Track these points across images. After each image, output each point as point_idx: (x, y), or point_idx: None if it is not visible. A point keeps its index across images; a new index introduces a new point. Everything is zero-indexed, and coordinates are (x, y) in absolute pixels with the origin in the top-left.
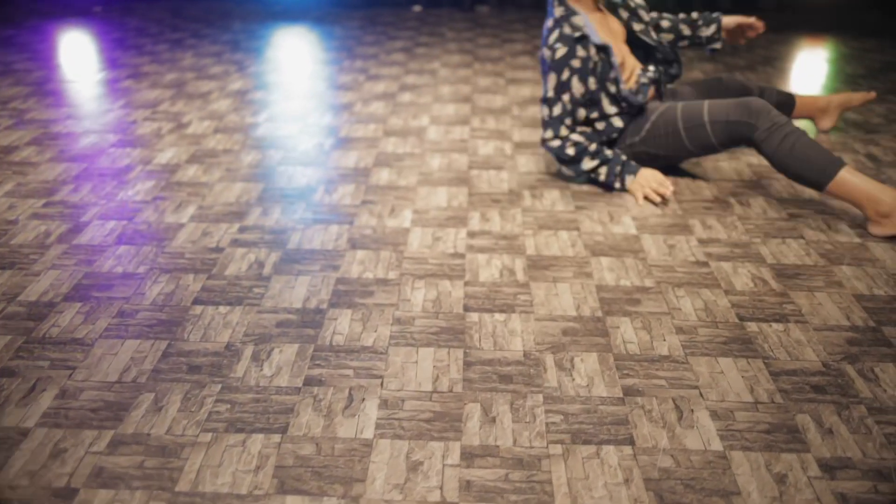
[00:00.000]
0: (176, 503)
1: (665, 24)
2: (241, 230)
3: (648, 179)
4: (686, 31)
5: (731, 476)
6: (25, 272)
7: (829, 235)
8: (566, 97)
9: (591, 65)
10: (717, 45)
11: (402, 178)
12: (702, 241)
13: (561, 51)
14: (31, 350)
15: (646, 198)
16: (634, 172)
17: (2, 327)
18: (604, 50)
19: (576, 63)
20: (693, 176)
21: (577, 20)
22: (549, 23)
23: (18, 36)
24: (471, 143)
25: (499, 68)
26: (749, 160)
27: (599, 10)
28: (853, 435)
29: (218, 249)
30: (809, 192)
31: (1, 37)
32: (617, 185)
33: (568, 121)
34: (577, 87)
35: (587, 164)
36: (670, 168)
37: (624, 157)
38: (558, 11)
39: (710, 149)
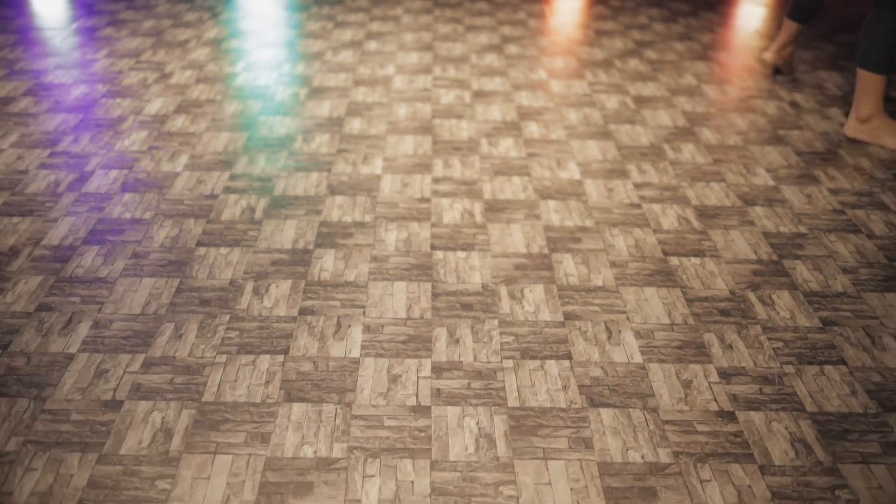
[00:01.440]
0: (204, 411)
1: None
2: (232, 178)
3: None
4: None
5: (648, 382)
6: (44, 219)
7: (748, 179)
8: None
9: None
10: None
11: (373, 128)
12: (636, 185)
13: None
14: (62, 288)
15: None
16: None
17: (33, 268)
18: None
19: None
20: (632, 123)
21: None
22: None
23: None
24: (433, 93)
25: (457, 14)
26: (684, 108)
27: None
28: (748, 349)
29: (212, 196)
30: (734, 140)
31: None
32: None
33: None
34: None
35: None
36: None
37: None
38: None
39: None
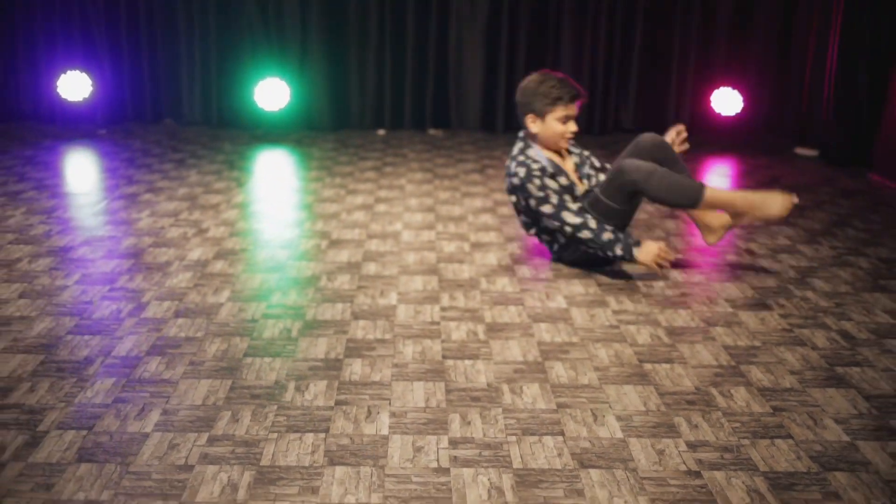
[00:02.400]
0: (262, 472)
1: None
2: (269, 307)
3: (652, 249)
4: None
5: (628, 451)
6: (111, 337)
7: (711, 307)
8: (551, 188)
9: (549, 171)
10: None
11: (386, 270)
12: (615, 312)
13: (522, 170)
14: (133, 386)
15: (657, 265)
16: (638, 244)
17: (106, 372)
18: (555, 172)
19: (537, 172)
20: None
21: (531, 152)
22: (513, 161)
23: (38, 155)
24: (437, 243)
25: (455, 184)
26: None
27: (560, 154)
28: (711, 428)
29: (254, 320)
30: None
31: (25, 156)
32: (626, 255)
33: (568, 199)
34: (551, 183)
35: (606, 235)
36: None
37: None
38: (517, 148)
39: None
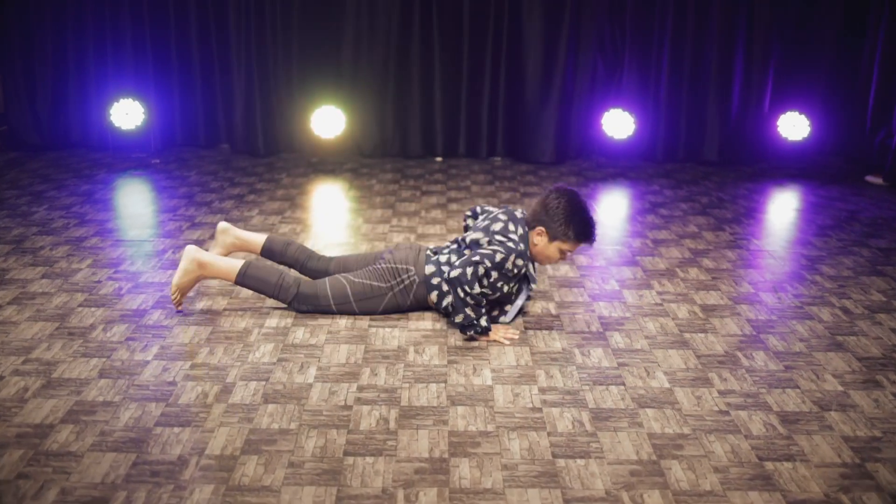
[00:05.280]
0: None
1: None
2: (359, 389)
3: (499, 329)
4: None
5: None
6: (202, 429)
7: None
8: (494, 274)
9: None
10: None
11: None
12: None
13: (510, 261)
14: (234, 496)
15: (504, 340)
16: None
17: (202, 477)
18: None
19: (514, 257)
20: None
21: (522, 247)
22: (518, 229)
23: (96, 192)
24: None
25: None
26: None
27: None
28: None
29: (347, 407)
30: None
31: (82, 192)
32: (487, 327)
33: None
34: (501, 281)
35: (478, 312)
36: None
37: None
38: (518, 227)
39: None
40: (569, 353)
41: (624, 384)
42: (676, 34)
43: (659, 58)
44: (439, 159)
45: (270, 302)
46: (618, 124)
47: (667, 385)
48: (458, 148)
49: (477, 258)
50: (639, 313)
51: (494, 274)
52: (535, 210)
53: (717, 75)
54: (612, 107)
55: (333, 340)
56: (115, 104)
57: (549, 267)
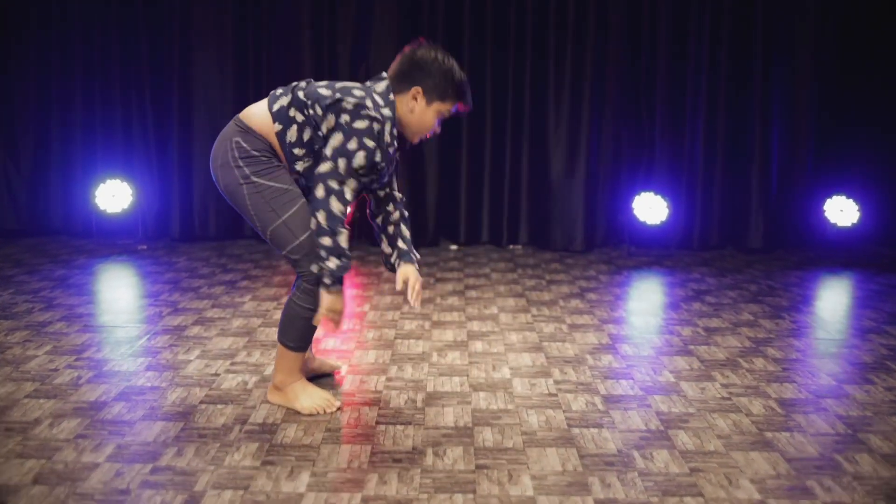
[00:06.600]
0: None
1: (393, 218)
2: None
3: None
4: (390, 230)
5: None
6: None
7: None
8: (366, 153)
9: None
10: (390, 264)
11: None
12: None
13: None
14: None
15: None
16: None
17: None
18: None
19: (378, 128)
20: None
21: (386, 111)
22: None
23: (70, 276)
24: (561, 398)
25: (555, 313)
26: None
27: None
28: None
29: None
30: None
31: (55, 277)
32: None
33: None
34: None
35: (338, 258)
36: None
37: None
38: (382, 86)
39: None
40: (627, 455)
41: (703, 495)
42: (710, 114)
43: (692, 139)
44: (454, 246)
45: (256, 393)
46: (650, 208)
47: (757, 496)
48: (480, 236)
49: (331, 148)
50: (704, 408)
51: (355, 149)
52: (403, 67)
53: (758, 154)
54: (643, 190)
55: (332, 440)
56: (101, 185)
57: (588, 355)
